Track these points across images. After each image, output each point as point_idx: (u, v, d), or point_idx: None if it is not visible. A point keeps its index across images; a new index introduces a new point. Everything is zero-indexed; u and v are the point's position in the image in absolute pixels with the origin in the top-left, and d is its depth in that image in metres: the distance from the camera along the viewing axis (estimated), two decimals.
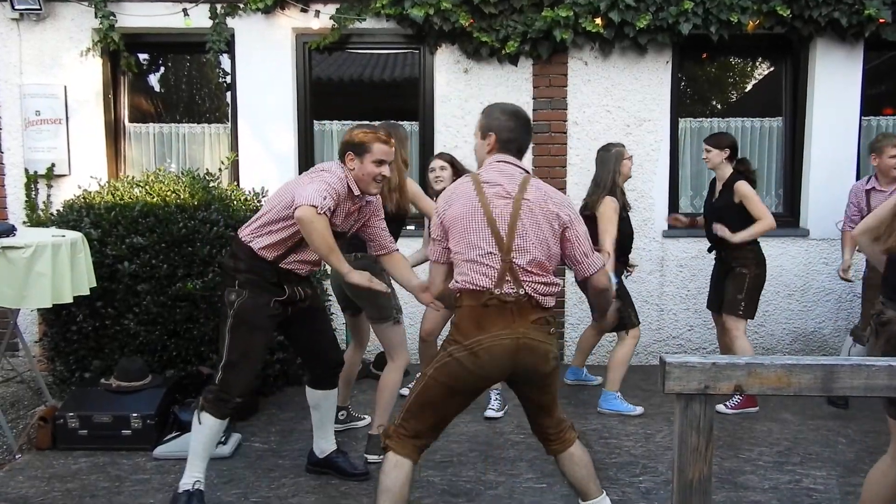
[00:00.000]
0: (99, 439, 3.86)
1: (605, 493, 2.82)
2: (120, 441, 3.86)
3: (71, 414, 3.86)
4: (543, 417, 2.73)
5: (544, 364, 2.57)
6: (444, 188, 4.20)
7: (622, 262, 4.53)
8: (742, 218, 4.42)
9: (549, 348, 2.58)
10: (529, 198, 2.58)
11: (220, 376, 3.08)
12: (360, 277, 2.99)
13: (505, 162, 2.67)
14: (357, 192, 3.14)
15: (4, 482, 3.49)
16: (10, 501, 3.29)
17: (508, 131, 2.69)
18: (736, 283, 4.49)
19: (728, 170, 4.55)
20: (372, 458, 3.67)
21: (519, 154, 2.73)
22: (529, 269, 2.54)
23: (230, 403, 3.08)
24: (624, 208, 4.47)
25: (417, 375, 2.75)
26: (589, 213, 4.37)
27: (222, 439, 3.82)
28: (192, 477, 3.08)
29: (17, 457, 3.80)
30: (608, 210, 4.32)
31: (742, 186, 4.43)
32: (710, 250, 4.79)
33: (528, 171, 2.71)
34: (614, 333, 4.69)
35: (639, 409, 4.52)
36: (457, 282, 2.58)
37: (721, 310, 4.61)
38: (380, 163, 3.10)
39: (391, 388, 3.73)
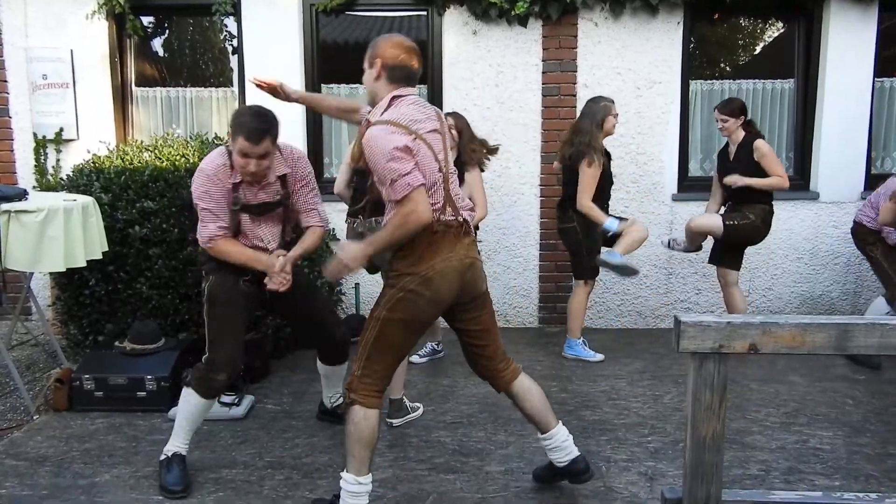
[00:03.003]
0: (115, 401, 3.92)
1: (560, 422, 2.96)
2: (135, 403, 3.92)
3: (87, 376, 3.92)
4: (489, 339, 2.86)
5: (482, 282, 2.80)
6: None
7: (601, 207, 4.68)
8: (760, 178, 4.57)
9: (481, 266, 2.81)
10: (446, 130, 2.75)
11: (206, 356, 3.15)
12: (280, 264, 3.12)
13: (414, 96, 2.71)
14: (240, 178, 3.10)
15: (24, 442, 3.56)
16: (31, 460, 3.35)
17: (395, 58, 2.67)
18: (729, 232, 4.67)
19: (741, 133, 4.65)
20: (396, 421, 3.74)
21: (411, 82, 2.72)
22: (460, 198, 2.72)
23: (215, 382, 3.11)
24: (607, 160, 4.70)
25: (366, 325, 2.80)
26: (570, 165, 4.66)
27: (235, 401, 3.89)
28: (175, 446, 3.15)
29: (34, 417, 3.86)
30: (588, 173, 4.54)
31: (762, 145, 4.54)
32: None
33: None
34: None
35: (599, 356, 4.85)
36: None
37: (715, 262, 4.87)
38: (243, 155, 2.98)
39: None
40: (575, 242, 4.74)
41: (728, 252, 4.74)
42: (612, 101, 4.69)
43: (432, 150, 2.59)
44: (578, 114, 5.51)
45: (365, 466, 2.67)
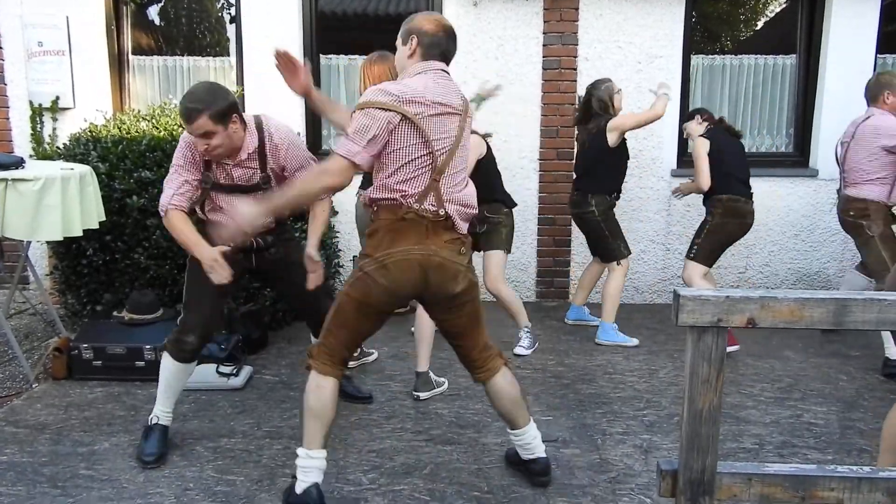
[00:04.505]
0: (113, 370, 3.94)
1: (532, 421, 2.89)
2: (134, 372, 3.93)
3: (85, 345, 3.93)
4: (463, 341, 2.74)
5: (454, 283, 2.57)
6: None
7: (619, 187, 4.71)
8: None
9: (459, 268, 2.57)
10: (469, 116, 2.59)
11: (180, 317, 3.14)
12: (209, 253, 2.90)
13: (441, 70, 2.56)
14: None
15: (23, 410, 3.58)
16: (30, 428, 3.38)
17: (431, 35, 2.56)
18: (699, 228, 4.57)
19: (701, 130, 4.61)
20: (423, 395, 3.77)
21: (445, 61, 2.60)
22: (456, 190, 2.54)
23: (185, 344, 3.09)
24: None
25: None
26: (591, 143, 4.57)
27: (234, 371, 3.90)
28: (159, 412, 3.18)
29: (33, 386, 3.88)
30: (621, 117, 4.53)
31: (698, 144, 4.50)
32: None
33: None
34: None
35: (634, 341, 4.67)
36: (379, 195, 2.51)
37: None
38: (201, 136, 2.86)
39: (429, 323, 3.71)
40: (595, 227, 4.66)
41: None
42: (610, 80, 4.66)
43: (424, 132, 2.44)
44: (578, 88, 5.51)
45: (316, 441, 2.59)
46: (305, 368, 2.65)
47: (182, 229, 2.97)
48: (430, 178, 2.49)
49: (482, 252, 4.29)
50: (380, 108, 2.41)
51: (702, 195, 4.64)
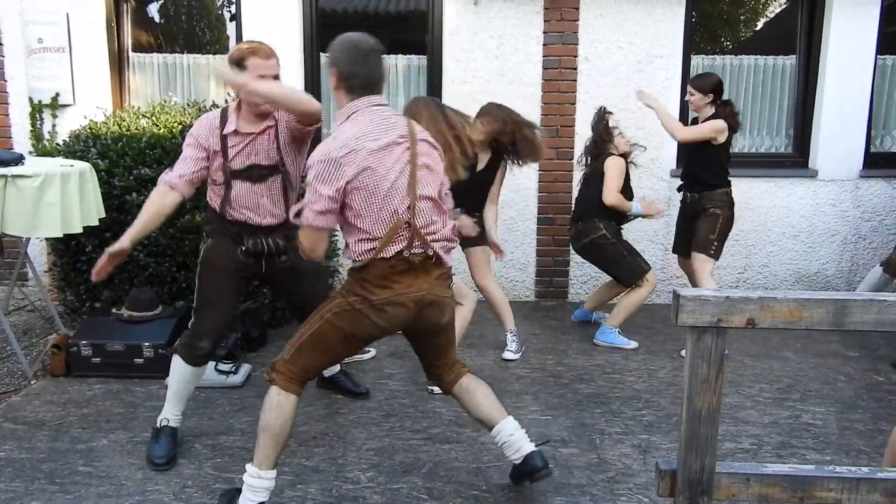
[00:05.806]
0: (112, 367, 3.93)
1: (509, 415, 2.81)
2: (133, 369, 3.93)
3: (84, 342, 3.93)
4: (437, 358, 2.78)
5: (441, 316, 2.64)
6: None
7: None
8: (711, 158, 4.44)
9: (447, 301, 2.64)
10: (419, 147, 2.52)
11: (192, 320, 3.11)
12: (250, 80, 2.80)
13: (375, 105, 2.50)
14: (234, 127, 2.98)
15: (21, 406, 3.58)
16: (29, 424, 3.38)
17: (349, 64, 2.48)
18: (709, 224, 4.48)
19: (710, 111, 4.47)
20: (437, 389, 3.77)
21: (373, 90, 2.51)
22: (436, 229, 2.55)
23: (199, 349, 3.06)
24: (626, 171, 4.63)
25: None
26: (590, 174, 4.66)
27: (233, 369, 3.90)
28: (168, 415, 3.15)
29: (32, 382, 3.88)
30: (613, 167, 4.51)
31: (715, 121, 4.39)
32: (679, 189, 4.74)
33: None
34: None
35: (633, 344, 4.61)
36: (363, 250, 2.47)
37: (690, 249, 4.56)
38: (260, 78, 2.88)
39: (461, 320, 3.77)
40: (612, 250, 4.53)
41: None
42: (610, 112, 4.59)
43: (384, 178, 2.41)
44: (578, 87, 5.50)
45: (269, 460, 2.55)
46: (267, 381, 2.60)
47: (146, 207, 3.01)
48: (408, 222, 2.46)
49: (463, 249, 4.29)
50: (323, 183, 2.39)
51: (694, 191, 4.58)
